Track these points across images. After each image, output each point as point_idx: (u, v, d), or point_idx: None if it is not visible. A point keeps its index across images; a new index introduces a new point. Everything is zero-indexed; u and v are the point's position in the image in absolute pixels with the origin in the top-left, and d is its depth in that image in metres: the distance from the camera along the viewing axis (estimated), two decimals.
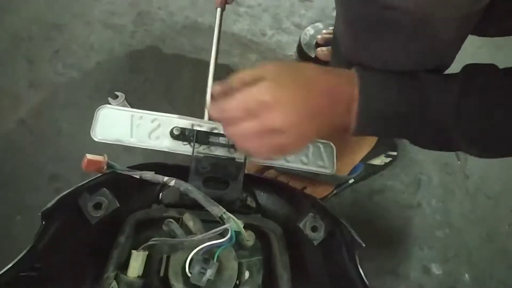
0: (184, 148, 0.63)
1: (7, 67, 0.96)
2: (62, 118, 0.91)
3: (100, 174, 0.55)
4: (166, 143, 0.62)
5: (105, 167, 0.54)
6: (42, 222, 0.49)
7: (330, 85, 0.54)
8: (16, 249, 0.47)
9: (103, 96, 0.94)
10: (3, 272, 0.45)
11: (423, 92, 0.54)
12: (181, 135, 0.62)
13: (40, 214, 0.48)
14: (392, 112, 0.54)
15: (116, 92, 0.95)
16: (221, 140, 0.63)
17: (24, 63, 0.96)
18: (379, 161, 0.90)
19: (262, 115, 0.50)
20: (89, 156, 0.53)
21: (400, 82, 0.55)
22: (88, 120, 0.89)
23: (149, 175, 0.55)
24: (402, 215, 0.89)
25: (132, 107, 0.94)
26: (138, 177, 0.55)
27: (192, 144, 0.62)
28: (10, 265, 0.46)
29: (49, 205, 0.49)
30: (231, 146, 0.63)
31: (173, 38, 1.01)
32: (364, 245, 0.55)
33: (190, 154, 0.62)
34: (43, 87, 0.95)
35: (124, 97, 0.95)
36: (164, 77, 0.98)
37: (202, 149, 0.62)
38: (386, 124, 0.55)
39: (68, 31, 1.01)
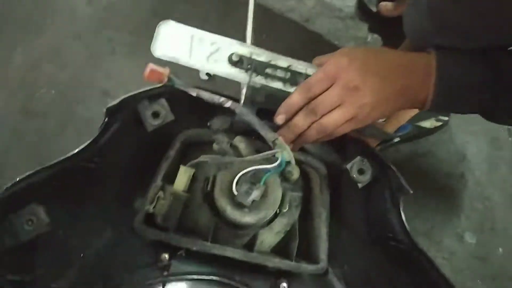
0: (240, 76, 0.62)
1: None
2: (116, 39, 0.92)
3: (160, 85, 0.56)
4: (223, 68, 0.62)
5: (166, 79, 0.54)
6: (105, 119, 0.50)
7: (409, 62, 0.56)
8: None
9: (158, 22, 0.93)
10: (64, 159, 0.47)
11: (496, 63, 0.54)
12: (239, 62, 0.62)
13: (104, 110, 0.49)
14: (468, 82, 0.54)
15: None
16: (279, 72, 0.62)
17: None
18: (428, 123, 0.87)
19: (353, 97, 0.54)
20: (152, 66, 0.53)
21: (474, 56, 0.55)
22: (140, 44, 0.91)
23: (206, 93, 0.56)
24: (443, 182, 0.88)
25: None
26: (195, 94, 0.56)
27: (249, 72, 0.62)
28: (72, 153, 0.48)
29: (114, 103, 0.51)
30: (287, 81, 0.63)
31: None
32: (411, 191, 0.54)
33: (246, 82, 0.62)
34: (101, 5, 0.95)
35: None
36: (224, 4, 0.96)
37: (258, 79, 0.62)
38: (462, 95, 0.55)
39: None
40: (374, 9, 1.01)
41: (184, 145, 0.62)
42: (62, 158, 0.47)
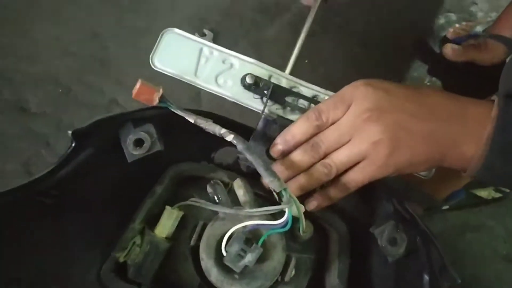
0: (253, 103, 0.51)
1: None
2: (143, 43, 0.84)
3: (150, 107, 0.45)
4: (233, 91, 0.51)
5: (158, 100, 0.44)
6: (72, 144, 0.40)
7: (455, 104, 0.44)
8: None
9: (189, 31, 0.86)
10: (11, 190, 0.37)
11: None
12: (253, 85, 0.51)
13: (69, 132, 0.39)
14: None
15: (205, 30, 0.86)
16: (300, 103, 0.51)
17: None
18: (485, 193, 0.73)
19: (366, 131, 0.43)
20: (142, 82, 0.43)
21: None
22: None
23: (205, 122, 0.45)
24: (496, 266, 0.71)
25: None
26: (192, 121, 0.45)
27: (264, 99, 0.50)
28: (23, 183, 0.38)
29: (85, 125, 0.41)
30: None
31: None
32: (459, 281, 0.40)
33: (259, 111, 0.51)
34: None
35: (212, 37, 0.86)
36: (259, 25, 0.87)
37: (274, 109, 0.51)
38: None
39: None
40: (437, 49, 0.89)
41: (175, 180, 0.51)
42: (6, 189, 0.37)
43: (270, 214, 0.42)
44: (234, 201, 0.48)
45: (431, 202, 0.70)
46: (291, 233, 0.49)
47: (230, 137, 0.44)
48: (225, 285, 0.43)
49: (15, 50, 0.81)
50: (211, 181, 0.47)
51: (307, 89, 0.51)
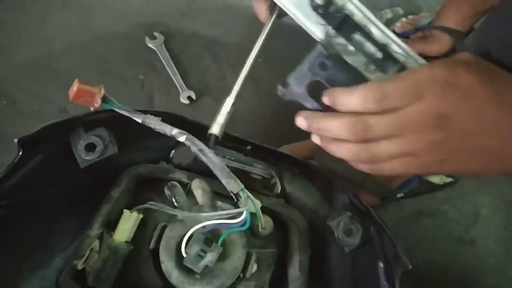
0: (314, 28, 0.43)
1: None
2: (91, 47, 0.81)
3: (101, 110, 0.44)
4: (299, 7, 0.43)
5: (99, 102, 0.41)
6: (19, 152, 0.39)
7: None
8: None
9: (141, 33, 0.83)
10: None
11: None
12: (323, 7, 0.41)
13: (15, 140, 0.38)
14: None
15: (155, 33, 0.84)
16: (368, 46, 0.42)
17: None
18: (437, 179, 0.76)
19: (426, 132, 0.37)
20: (79, 83, 0.40)
21: None
22: (116, 58, 0.81)
23: (154, 121, 0.44)
24: (450, 249, 0.74)
25: (169, 51, 0.83)
26: (140, 121, 0.44)
27: (328, 28, 0.42)
28: None
29: (31, 132, 0.39)
30: (374, 61, 0.42)
31: None
32: (411, 267, 0.42)
33: (318, 39, 0.43)
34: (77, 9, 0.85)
35: (163, 40, 0.84)
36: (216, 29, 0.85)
37: (336, 42, 0.43)
38: None
39: None
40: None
41: (134, 183, 0.51)
42: None
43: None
44: (193, 202, 0.48)
45: (386, 191, 0.73)
46: (251, 230, 0.49)
47: (182, 138, 0.43)
48: (186, 285, 0.43)
49: None
50: (169, 184, 0.46)
51: (379, 32, 0.43)
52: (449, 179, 0.77)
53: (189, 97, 0.80)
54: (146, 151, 0.53)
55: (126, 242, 0.47)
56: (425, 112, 0.36)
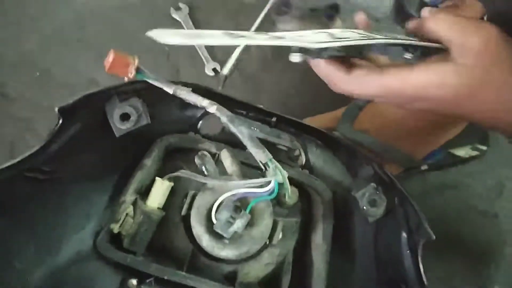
0: None
1: None
2: (119, 19, 0.82)
3: (135, 81, 0.45)
4: None
5: (133, 72, 0.43)
6: (59, 121, 0.41)
7: None
8: None
9: (167, 4, 0.83)
10: (6, 167, 0.38)
11: None
12: None
13: (56, 109, 0.40)
14: None
15: (180, 4, 0.84)
16: None
17: None
18: (463, 152, 0.75)
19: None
20: (115, 54, 0.42)
21: None
22: (142, 29, 0.82)
23: (185, 92, 0.45)
24: (473, 221, 0.75)
25: (195, 25, 0.83)
26: (171, 92, 0.45)
27: None
28: (13, 161, 0.39)
29: (70, 101, 0.41)
30: None
31: None
32: (434, 237, 0.43)
33: None
34: None
35: (188, 11, 0.84)
36: None
37: None
38: None
39: None
40: (415, 14, 0.88)
41: (164, 152, 0.53)
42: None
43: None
44: (222, 171, 0.50)
45: (410, 162, 0.73)
46: (277, 199, 0.51)
47: (212, 109, 0.45)
48: (216, 250, 0.45)
49: None
50: (199, 153, 0.48)
51: None
52: (475, 152, 0.77)
53: (214, 69, 0.80)
54: (175, 121, 0.55)
55: (158, 208, 0.50)
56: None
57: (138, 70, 0.43)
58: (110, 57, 0.41)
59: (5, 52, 0.76)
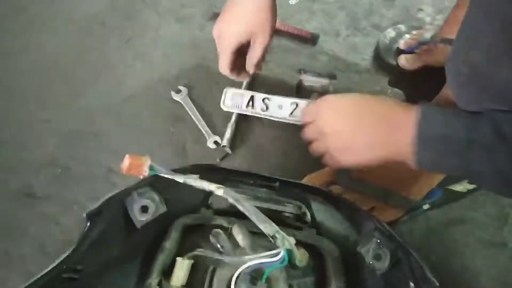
0: None
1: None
2: (125, 110, 0.91)
3: (148, 176, 0.51)
4: None
5: (147, 170, 0.49)
6: (87, 224, 0.46)
7: (387, 109, 0.57)
8: (67, 241, 0.45)
9: (165, 89, 0.92)
10: (46, 273, 0.43)
11: (492, 120, 0.47)
12: None
13: (85, 215, 0.45)
14: (453, 136, 0.49)
15: (179, 86, 0.93)
16: None
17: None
18: (461, 187, 0.78)
19: (322, 139, 0.62)
20: (130, 157, 0.48)
21: (465, 113, 0.50)
22: (148, 115, 0.91)
23: (193, 180, 0.51)
24: (483, 253, 0.77)
25: (193, 102, 0.91)
26: (181, 181, 0.51)
27: None
28: (53, 265, 0.44)
29: (95, 206, 0.47)
30: None
31: None
32: (438, 284, 0.46)
33: None
34: (108, 78, 0.96)
35: (187, 92, 0.92)
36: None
37: None
38: (446, 151, 0.49)
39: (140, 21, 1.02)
40: (393, 62, 0.95)
41: (181, 233, 0.57)
42: (39, 275, 0.43)
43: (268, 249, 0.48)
44: (234, 244, 0.54)
45: (411, 204, 0.76)
46: (290, 263, 0.55)
47: (219, 192, 0.50)
48: None
49: (14, 140, 0.88)
50: (213, 231, 0.53)
51: None
52: (472, 186, 0.80)
53: (215, 142, 0.87)
54: (187, 201, 0.60)
55: (182, 286, 0.53)
56: (318, 123, 0.62)
57: (150, 168, 0.49)
58: (126, 162, 0.48)
59: (27, 157, 0.84)
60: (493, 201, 0.81)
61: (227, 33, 0.72)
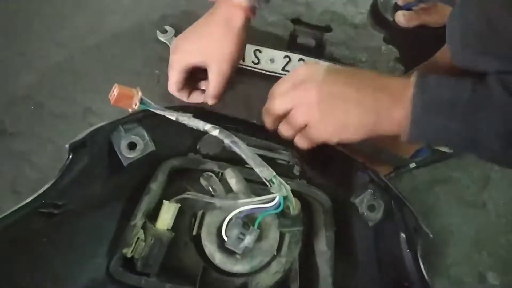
0: None
1: None
2: (107, 48, 0.84)
3: (139, 111, 0.47)
4: None
5: (137, 103, 0.46)
6: (69, 156, 0.43)
7: (381, 81, 0.52)
8: (40, 180, 0.42)
9: (151, 29, 0.85)
10: (19, 207, 0.40)
11: (501, 80, 0.44)
12: None
13: (67, 146, 0.41)
14: (458, 100, 0.45)
15: (166, 26, 0.86)
16: None
17: None
18: (447, 148, 0.79)
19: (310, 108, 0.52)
20: (120, 87, 0.44)
21: (464, 77, 0.47)
22: (131, 55, 0.84)
23: (187, 118, 0.48)
24: (464, 212, 0.78)
25: None
26: (174, 118, 0.48)
27: None
28: (31, 197, 0.41)
29: (79, 137, 0.43)
30: None
31: None
32: (431, 236, 0.46)
33: None
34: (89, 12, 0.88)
35: (173, 33, 0.86)
36: None
37: None
38: (448, 114, 0.46)
39: None
40: (390, 18, 0.92)
41: (168, 175, 0.54)
42: (16, 207, 0.39)
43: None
44: (227, 189, 0.52)
45: (399, 161, 0.76)
46: (281, 212, 0.53)
47: (215, 132, 0.47)
48: (229, 265, 0.47)
49: None
50: (204, 174, 0.50)
51: None
52: None
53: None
54: (173, 144, 0.57)
55: (167, 229, 0.51)
56: (298, 92, 0.53)
57: (141, 101, 0.45)
58: (115, 91, 0.44)
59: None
60: (476, 163, 0.82)
61: (181, 51, 0.69)
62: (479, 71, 0.46)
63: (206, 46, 0.67)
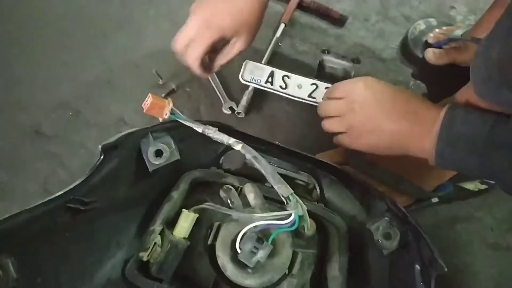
0: None
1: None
2: (143, 64, 0.89)
3: (168, 120, 0.50)
4: None
5: (168, 113, 0.48)
6: (101, 156, 0.45)
7: (418, 108, 0.57)
8: (70, 182, 0.44)
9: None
10: (49, 199, 0.42)
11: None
12: None
13: (100, 147, 0.44)
14: (476, 136, 0.49)
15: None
16: None
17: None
18: (472, 185, 0.77)
19: (349, 116, 0.61)
20: (153, 97, 0.47)
21: (491, 115, 0.51)
22: (166, 72, 0.89)
23: (212, 132, 0.50)
24: (485, 254, 0.77)
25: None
26: (200, 131, 0.50)
27: None
28: (61, 192, 0.43)
29: (111, 139, 0.46)
30: None
31: None
32: (446, 269, 0.45)
33: None
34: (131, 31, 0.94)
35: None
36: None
37: None
38: (468, 150, 0.50)
39: None
40: (419, 54, 0.93)
41: (189, 185, 0.56)
42: (45, 199, 0.42)
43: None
44: (244, 203, 0.54)
45: (421, 193, 0.75)
46: (296, 231, 0.54)
47: (238, 146, 0.49)
48: (240, 278, 0.48)
49: (30, 79, 0.87)
50: (224, 187, 0.52)
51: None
52: (484, 186, 0.79)
53: (230, 108, 0.86)
54: (198, 157, 0.59)
55: (184, 238, 0.53)
56: (349, 99, 0.61)
57: (172, 112, 0.48)
58: (149, 100, 0.47)
59: (40, 97, 0.83)
60: (501, 205, 0.80)
61: (213, 24, 0.67)
62: (501, 104, 0.48)
63: (237, 18, 0.66)
